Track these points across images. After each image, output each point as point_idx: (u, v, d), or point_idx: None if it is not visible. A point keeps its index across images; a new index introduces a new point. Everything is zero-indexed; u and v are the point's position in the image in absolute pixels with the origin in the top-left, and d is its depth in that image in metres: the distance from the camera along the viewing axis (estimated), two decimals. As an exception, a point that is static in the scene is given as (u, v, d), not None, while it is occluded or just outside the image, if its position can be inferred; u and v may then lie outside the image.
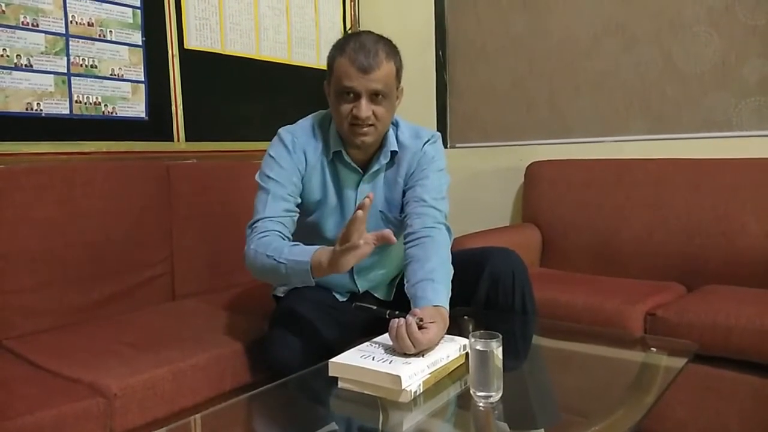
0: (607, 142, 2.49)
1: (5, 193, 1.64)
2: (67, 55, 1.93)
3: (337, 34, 2.87)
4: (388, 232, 1.13)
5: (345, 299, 1.57)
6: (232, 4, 2.43)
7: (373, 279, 1.59)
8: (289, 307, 1.44)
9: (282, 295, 1.55)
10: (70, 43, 1.94)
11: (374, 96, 1.33)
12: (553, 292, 1.87)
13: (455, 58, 2.92)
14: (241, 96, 2.47)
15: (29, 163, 1.79)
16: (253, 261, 1.31)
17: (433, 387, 1.09)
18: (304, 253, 1.23)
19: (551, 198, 2.47)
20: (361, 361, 1.08)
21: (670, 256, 2.13)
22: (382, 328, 1.18)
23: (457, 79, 2.92)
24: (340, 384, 1.09)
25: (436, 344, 1.14)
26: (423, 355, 1.10)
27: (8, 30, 1.80)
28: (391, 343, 1.13)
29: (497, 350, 0.99)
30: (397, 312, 1.18)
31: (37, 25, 1.86)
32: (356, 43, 1.32)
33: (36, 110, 1.87)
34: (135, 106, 2.12)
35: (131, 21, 2.10)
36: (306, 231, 1.46)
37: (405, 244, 1.40)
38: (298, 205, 1.43)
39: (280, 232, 1.34)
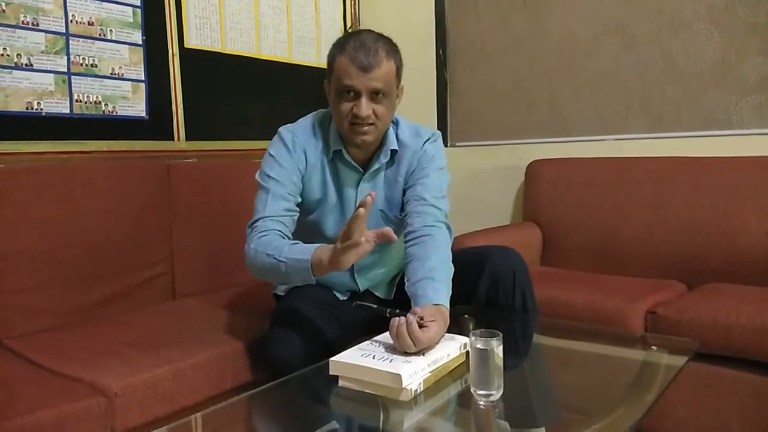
0: (607, 141, 2.49)
1: (5, 192, 1.64)
2: (68, 54, 1.93)
3: (337, 32, 2.87)
4: (389, 230, 1.13)
5: (345, 298, 1.57)
6: (232, 3, 2.43)
7: (373, 278, 1.59)
8: (290, 306, 1.44)
9: (282, 294, 1.56)
10: (71, 42, 1.94)
11: (374, 95, 1.33)
12: (554, 291, 1.87)
13: (455, 57, 2.92)
14: (241, 95, 2.47)
15: (29, 163, 1.79)
16: (253, 260, 1.31)
17: (434, 385, 1.09)
18: (305, 251, 1.23)
19: (552, 197, 2.47)
20: (361, 359, 1.08)
21: (671, 254, 2.13)
22: (383, 326, 1.18)
23: (457, 78, 2.92)
24: (341, 383, 1.09)
25: (437, 343, 1.14)
26: (423, 354, 1.10)
27: (8, 29, 1.80)
28: (391, 341, 1.13)
29: (498, 349, 0.99)
30: (397, 310, 1.18)
31: (38, 25, 1.86)
32: (356, 42, 1.31)
33: (36, 109, 1.87)
34: (135, 106, 2.12)
35: (131, 20, 2.10)
36: (306, 230, 1.46)
37: (405, 242, 1.40)
38: (298, 204, 1.43)
39: (280, 231, 1.34)
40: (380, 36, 1.36)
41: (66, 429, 1.17)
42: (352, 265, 1.49)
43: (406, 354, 1.09)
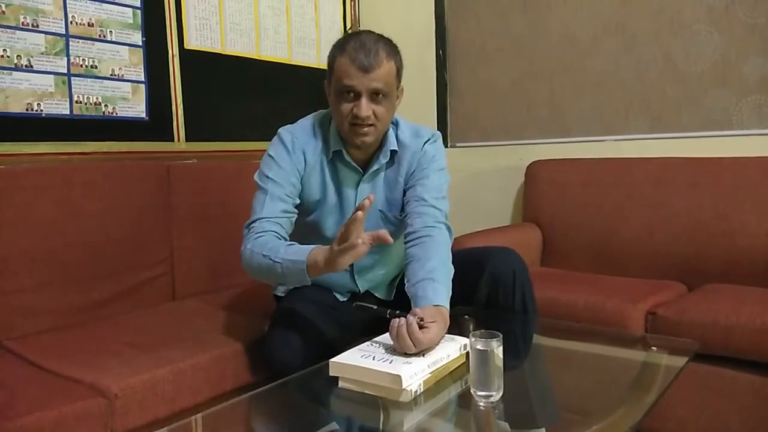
0: (607, 142, 2.49)
1: (5, 193, 1.64)
2: (67, 55, 1.93)
3: (337, 33, 2.87)
4: (384, 233, 1.12)
5: (345, 299, 1.56)
6: (232, 4, 2.43)
7: (373, 279, 1.58)
8: (290, 307, 1.44)
9: (282, 295, 1.56)
10: (70, 43, 1.94)
11: (374, 95, 1.33)
12: (554, 292, 1.87)
13: (455, 58, 2.92)
14: (241, 96, 2.47)
15: (29, 164, 1.79)
16: (249, 261, 1.31)
17: (434, 386, 1.09)
18: (300, 252, 1.23)
19: (551, 197, 2.47)
20: (361, 360, 1.08)
21: (671, 255, 2.13)
22: (383, 327, 1.18)
23: (457, 79, 2.92)
24: (341, 384, 1.09)
25: (437, 344, 1.14)
26: (423, 355, 1.10)
27: (8, 30, 1.80)
28: (391, 342, 1.13)
29: (498, 350, 0.99)
30: (397, 311, 1.18)
31: (37, 26, 1.86)
32: (356, 43, 1.31)
33: (36, 110, 1.87)
34: (135, 107, 2.12)
35: (131, 21, 2.10)
36: (306, 230, 1.46)
37: (405, 243, 1.40)
38: (297, 205, 1.43)
39: (276, 232, 1.34)
40: (380, 37, 1.36)
41: (66, 430, 1.17)
42: (352, 266, 1.50)
43: (406, 355, 1.09)
